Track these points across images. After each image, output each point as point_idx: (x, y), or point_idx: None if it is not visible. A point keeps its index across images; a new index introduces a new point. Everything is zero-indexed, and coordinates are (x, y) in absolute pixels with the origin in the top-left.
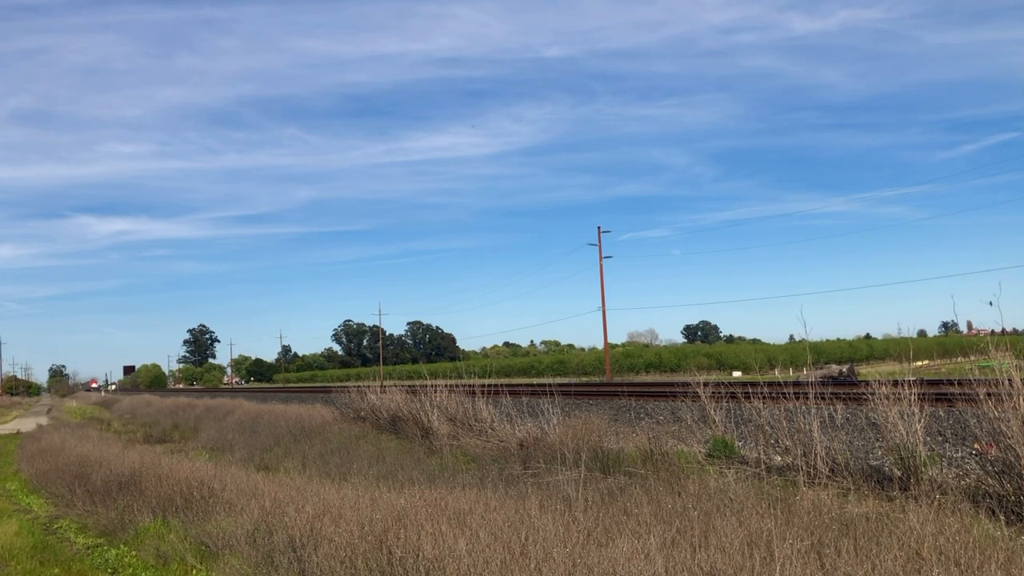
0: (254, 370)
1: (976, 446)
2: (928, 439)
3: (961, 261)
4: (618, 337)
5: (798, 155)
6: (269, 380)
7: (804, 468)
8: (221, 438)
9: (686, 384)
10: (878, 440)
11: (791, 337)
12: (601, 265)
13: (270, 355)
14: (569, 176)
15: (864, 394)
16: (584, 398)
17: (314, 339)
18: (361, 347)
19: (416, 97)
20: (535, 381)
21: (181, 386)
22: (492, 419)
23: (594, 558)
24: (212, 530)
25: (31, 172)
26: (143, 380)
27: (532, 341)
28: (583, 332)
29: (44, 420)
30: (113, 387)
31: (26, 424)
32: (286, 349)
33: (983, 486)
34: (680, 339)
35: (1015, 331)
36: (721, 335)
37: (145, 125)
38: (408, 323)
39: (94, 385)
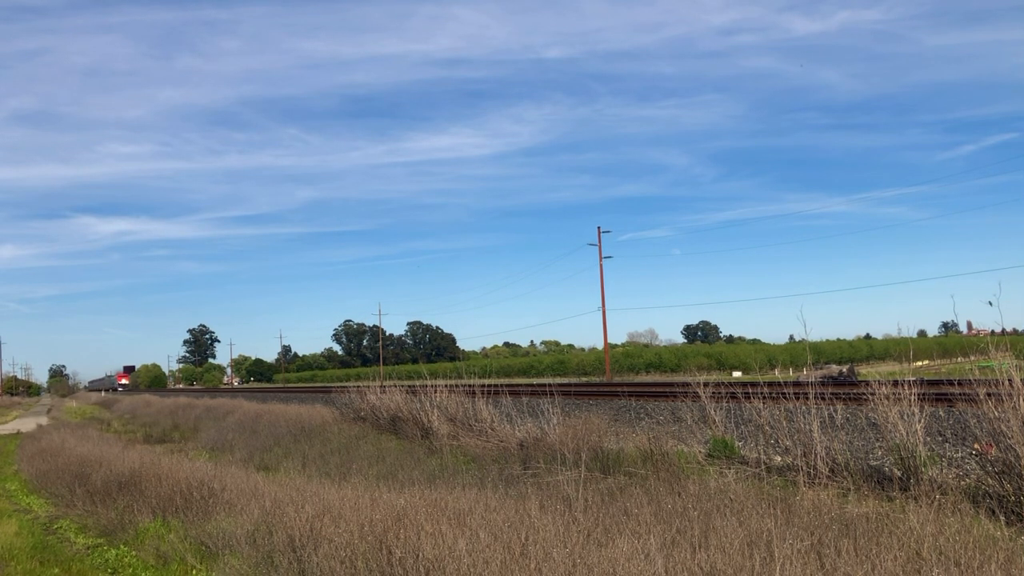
0: (254, 370)
1: (976, 446)
2: (928, 439)
3: (961, 261)
4: (618, 337)
5: (798, 155)
6: (269, 380)
7: (804, 468)
8: (221, 438)
9: (686, 384)
10: (878, 440)
11: (791, 337)
12: (601, 265)
13: (270, 355)
14: (569, 176)
15: (864, 394)
16: (584, 398)
17: (314, 339)
18: (361, 347)
19: (416, 98)
20: (535, 381)
21: (181, 386)
22: (492, 419)
23: (594, 558)
24: (212, 530)
25: (32, 172)
26: (143, 380)
27: (532, 341)
28: (583, 332)
29: (44, 420)
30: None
31: (26, 424)
32: (286, 349)
33: (983, 486)
34: (680, 339)
35: (1015, 331)
36: (721, 335)
37: (146, 126)
38: (408, 323)
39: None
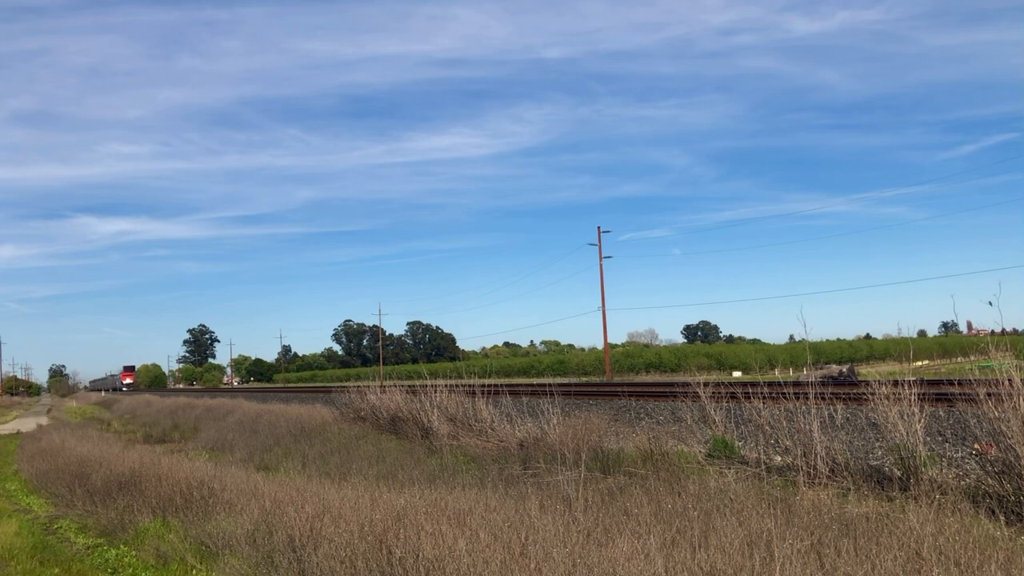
0: (254, 370)
1: (976, 446)
2: (928, 439)
3: (961, 261)
4: (618, 337)
5: (798, 155)
6: (269, 380)
7: (804, 468)
8: (221, 438)
9: (686, 384)
10: (878, 440)
11: (791, 337)
12: (601, 265)
13: (270, 355)
14: (569, 176)
15: (864, 394)
16: (584, 398)
17: (314, 339)
18: (361, 347)
19: (416, 98)
20: (535, 381)
21: (181, 386)
22: (492, 419)
23: (594, 558)
24: (212, 530)
25: (32, 172)
26: (143, 380)
27: (532, 341)
28: (583, 332)
29: (44, 420)
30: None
31: (26, 424)
32: (286, 349)
33: (983, 486)
34: (680, 339)
35: (1015, 331)
36: (721, 335)
37: (146, 126)
38: (408, 323)
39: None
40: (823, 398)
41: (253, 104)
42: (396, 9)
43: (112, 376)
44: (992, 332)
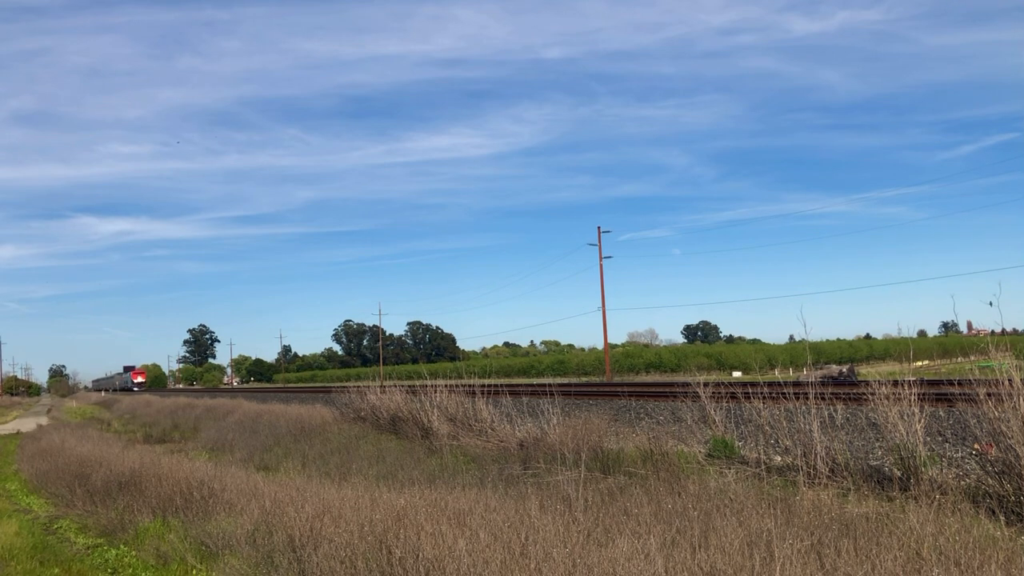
0: (254, 370)
1: (976, 446)
2: (928, 439)
3: (961, 261)
4: (618, 337)
5: (798, 155)
6: (269, 380)
7: (804, 468)
8: (221, 438)
9: (686, 384)
10: (878, 440)
11: (791, 337)
12: (601, 265)
13: (270, 355)
14: (569, 176)
15: (864, 394)
16: (584, 398)
17: (314, 339)
18: (361, 347)
19: (416, 98)
20: (535, 381)
21: (181, 386)
22: (492, 419)
23: (594, 558)
24: (212, 530)
25: (32, 172)
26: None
27: (532, 341)
28: (583, 332)
29: (44, 420)
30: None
31: (26, 424)
32: (286, 349)
33: (983, 486)
34: (680, 339)
35: (1015, 331)
36: (721, 335)
37: (146, 126)
38: (408, 323)
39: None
40: (823, 398)
41: (253, 104)
42: (396, 9)
43: (118, 375)
44: (992, 332)
